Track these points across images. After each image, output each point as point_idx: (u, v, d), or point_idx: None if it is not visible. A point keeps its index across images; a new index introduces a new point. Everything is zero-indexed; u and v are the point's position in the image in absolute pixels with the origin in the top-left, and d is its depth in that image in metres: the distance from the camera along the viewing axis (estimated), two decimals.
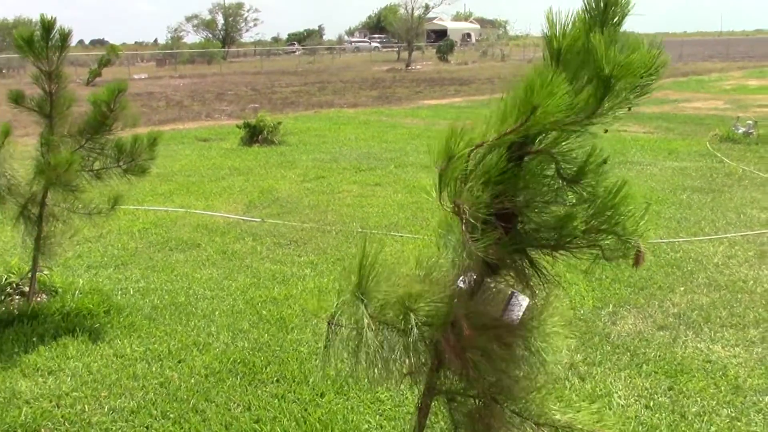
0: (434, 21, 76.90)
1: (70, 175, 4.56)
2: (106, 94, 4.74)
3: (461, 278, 2.01)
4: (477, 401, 2.15)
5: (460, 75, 36.69)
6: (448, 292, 1.98)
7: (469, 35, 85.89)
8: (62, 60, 4.76)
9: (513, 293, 2.01)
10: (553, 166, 1.83)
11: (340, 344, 2.07)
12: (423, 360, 2.09)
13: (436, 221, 6.49)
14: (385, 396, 3.92)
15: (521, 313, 1.99)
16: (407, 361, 2.06)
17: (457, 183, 1.76)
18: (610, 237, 1.80)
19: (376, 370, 2.00)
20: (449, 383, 2.18)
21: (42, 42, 4.65)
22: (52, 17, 4.70)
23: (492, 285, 2.01)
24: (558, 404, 2.20)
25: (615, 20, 1.75)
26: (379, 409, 3.81)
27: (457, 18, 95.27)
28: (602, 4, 1.75)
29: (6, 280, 5.37)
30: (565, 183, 1.83)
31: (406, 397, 3.88)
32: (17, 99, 4.69)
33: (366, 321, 1.92)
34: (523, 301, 2.00)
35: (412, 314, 1.88)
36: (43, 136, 4.72)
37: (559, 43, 1.77)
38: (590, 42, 1.69)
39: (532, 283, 1.99)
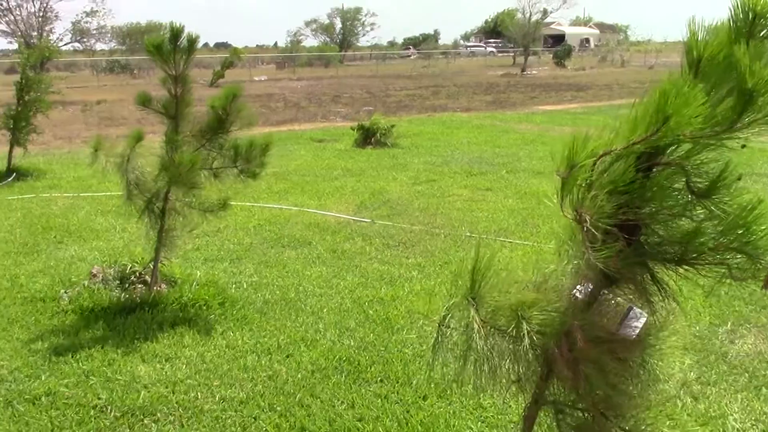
0: (552, 26, 75.48)
1: (192, 174, 4.77)
2: (222, 98, 4.93)
3: (578, 288, 1.96)
4: (586, 415, 2.09)
5: (577, 81, 35.87)
6: (564, 302, 1.93)
7: (587, 40, 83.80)
8: (188, 64, 4.97)
9: (630, 307, 1.94)
10: (683, 179, 1.75)
11: (448, 347, 2.06)
12: (532, 369, 2.05)
13: (547, 228, 6.38)
14: (488, 403, 3.88)
15: (639, 329, 1.91)
16: (515, 368, 2.02)
17: (580, 191, 1.71)
18: (739, 256, 1.71)
19: (483, 376, 1.98)
20: (558, 394, 2.13)
21: (170, 47, 4.87)
22: (180, 24, 4.91)
23: (610, 297, 1.95)
24: (668, 423, 2.11)
25: (762, 33, 1.65)
26: (481, 416, 3.77)
27: (575, 23, 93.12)
28: (750, 16, 1.65)
29: (130, 269, 5.67)
30: (694, 197, 1.75)
31: (510, 406, 3.83)
32: (144, 102, 4.95)
33: (476, 325, 1.90)
34: (641, 317, 1.92)
35: (524, 322, 1.84)
36: (167, 136, 4.95)
37: (699, 53, 1.68)
38: (734, 54, 1.60)
39: (652, 299, 1.91)
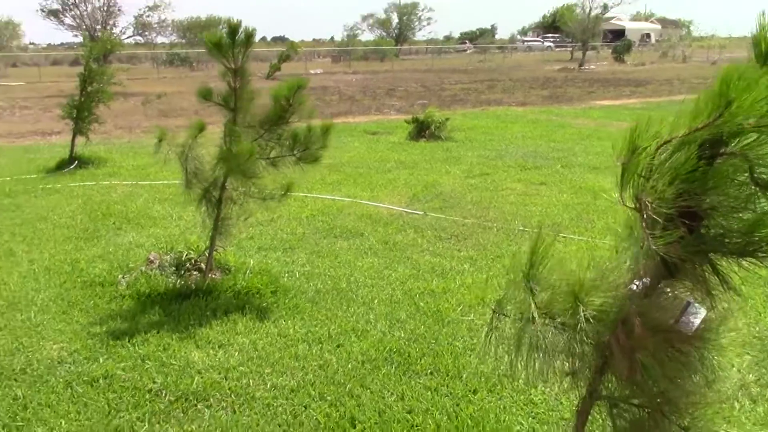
0: (612, 21, 74.04)
1: (250, 164, 4.82)
2: (286, 89, 4.98)
3: (635, 283, 1.91)
4: (641, 411, 2.04)
5: (637, 76, 35.15)
6: (622, 291, 1.89)
7: (648, 35, 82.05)
8: (246, 58, 5.03)
9: (689, 302, 1.89)
10: (746, 170, 1.69)
11: (501, 336, 2.03)
12: (586, 360, 2.01)
13: (603, 224, 6.26)
14: (539, 399, 3.83)
15: (697, 323, 1.86)
16: (570, 360, 1.98)
17: (640, 179, 1.67)
18: None
19: (536, 366, 1.95)
20: (613, 388, 2.08)
21: (228, 42, 4.93)
22: (237, 20, 4.97)
23: (668, 291, 1.90)
24: (726, 425, 2.05)
25: None
26: (532, 412, 3.73)
27: (636, 18, 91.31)
28: None
29: (186, 256, 5.76)
30: (758, 189, 1.69)
31: (561, 402, 3.78)
32: (205, 95, 5.03)
33: (533, 310, 1.87)
34: (700, 310, 1.87)
35: (582, 307, 1.80)
36: (227, 127, 5.03)
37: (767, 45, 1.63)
38: None
39: (713, 291, 1.85)
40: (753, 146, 1.68)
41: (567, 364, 2.01)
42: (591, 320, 1.82)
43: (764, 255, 1.70)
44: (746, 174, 1.70)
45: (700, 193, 1.70)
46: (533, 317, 1.87)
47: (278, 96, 4.95)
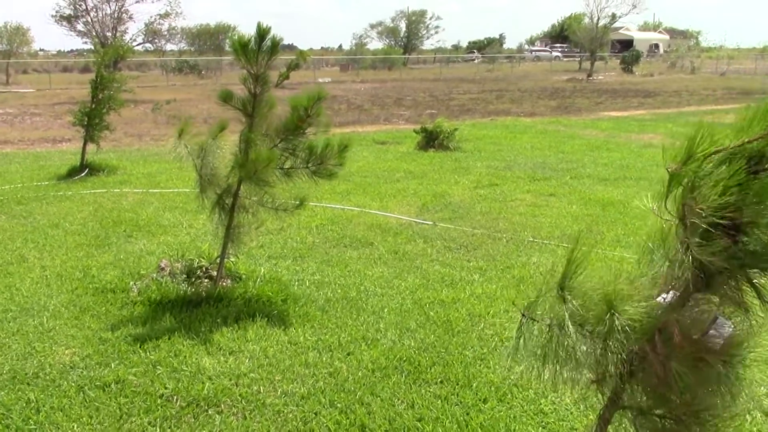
0: (620, 31, 74.13)
1: (267, 172, 4.84)
2: (305, 99, 4.97)
3: (663, 296, 1.93)
4: (663, 421, 2.05)
5: (645, 87, 35.15)
6: (653, 301, 1.90)
7: (656, 46, 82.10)
8: (270, 65, 5.05)
9: (717, 315, 1.90)
10: None
11: (531, 339, 2.04)
12: (612, 369, 2.02)
13: (612, 236, 6.25)
14: (549, 408, 3.84)
15: (725, 336, 1.88)
16: (596, 367, 1.99)
17: (685, 189, 1.69)
18: None
19: (565, 372, 1.96)
20: (637, 397, 2.09)
21: (255, 47, 4.95)
22: (267, 26, 4.98)
23: (698, 304, 1.91)
24: None
25: None
26: (542, 421, 3.74)
27: (644, 28, 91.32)
28: None
29: (197, 263, 5.80)
30: None
31: (571, 412, 3.79)
32: (226, 98, 5.05)
33: (567, 316, 1.88)
34: (727, 325, 1.89)
35: (617, 315, 1.82)
36: (243, 133, 5.05)
37: None
38: None
39: (745, 304, 1.86)
40: None
41: (592, 373, 2.02)
42: (625, 329, 1.84)
43: None
44: None
45: (743, 206, 1.71)
46: (567, 325, 1.89)
47: (297, 106, 4.95)
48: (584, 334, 1.92)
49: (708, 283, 1.85)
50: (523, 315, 2.06)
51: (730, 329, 1.89)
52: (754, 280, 1.82)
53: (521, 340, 2.04)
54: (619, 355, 1.94)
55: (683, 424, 2.01)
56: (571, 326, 1.89)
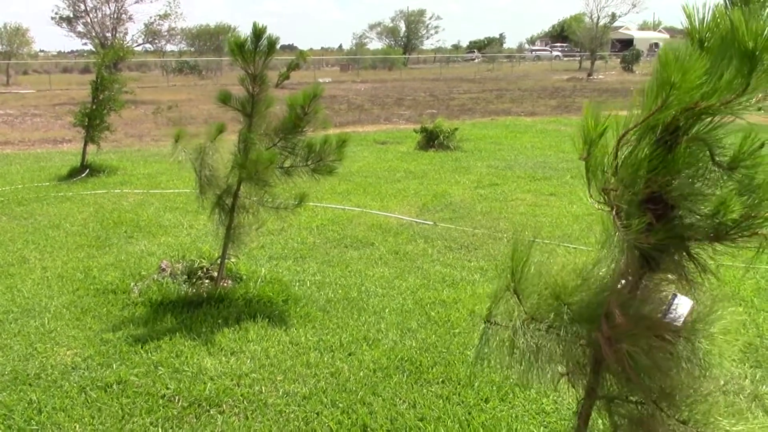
0: (620, 30, 74.09)
1: (267, 172, 4.85)
2: (302, 97, 4.99)
3: (622, 281, 1.94)
4: (639, 407, 2.06)
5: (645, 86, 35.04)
6: (602, 288, 1.92)
7: (657, 45, 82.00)
8: (267, 64, 5.06)
9: (674, 295, 1.91)
10: (707, 154, 1.74)
11: (496, 343, 2.06)
12: (580, 361, 2.03)
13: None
14: (551, 408, 3.85)
15: (684, 314, 1.89)
16: (564, 360, 2.01)
17: (605, 174, 1.72)
18: None
19: (530, 370, 1.97)
20: (610, 387, 2.10)
21: (251, 47, 4.96)
22: (263, 25, 4.99)
23: (651, 287, 1.92)
24: (724, 416, 2.06)
25: None
26: (544, 421, 3.74)
27: (644, 27, 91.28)
28: None
29: (198, 264, 5.80)
30: (721, 170, 1.73)
31: (573, 411, 3.78)
32: (225, 99, 5.06)
33: (517, 315, 1.90)
34: (685, 302, 1.90)
35: (565, 308, 1.84)
36: (242, 134, 5.06)
37: (700, 34, 1.71)
38: (731, 21, 1.58)
39: (692, 278, 1.88)
40: (707, 129, 1.73)
41: (561, 366, 2.04)
42: (574, 319, 1.86)
43: (735, 236, 1.72)
44: (707, 156, 1.74)
45: (665, 180, 1.73)
46: (520, 324, 1.91)
47: (294, 104, 4.97)
48: (545, 328, 1.94)
49: (655, 263, 1.87)
50: (485, 321, 2.07)
51: (690, 306, 1.90)
52: (693, 253, 1.84)
53: (485, 346, 2.06)
54: (582, 346, 1.96)
55: (658, 408, 2.01)
56: (524, 324, 1.91)
